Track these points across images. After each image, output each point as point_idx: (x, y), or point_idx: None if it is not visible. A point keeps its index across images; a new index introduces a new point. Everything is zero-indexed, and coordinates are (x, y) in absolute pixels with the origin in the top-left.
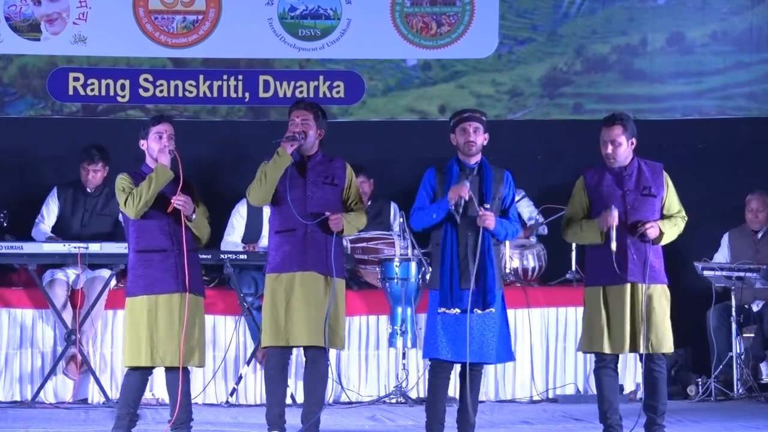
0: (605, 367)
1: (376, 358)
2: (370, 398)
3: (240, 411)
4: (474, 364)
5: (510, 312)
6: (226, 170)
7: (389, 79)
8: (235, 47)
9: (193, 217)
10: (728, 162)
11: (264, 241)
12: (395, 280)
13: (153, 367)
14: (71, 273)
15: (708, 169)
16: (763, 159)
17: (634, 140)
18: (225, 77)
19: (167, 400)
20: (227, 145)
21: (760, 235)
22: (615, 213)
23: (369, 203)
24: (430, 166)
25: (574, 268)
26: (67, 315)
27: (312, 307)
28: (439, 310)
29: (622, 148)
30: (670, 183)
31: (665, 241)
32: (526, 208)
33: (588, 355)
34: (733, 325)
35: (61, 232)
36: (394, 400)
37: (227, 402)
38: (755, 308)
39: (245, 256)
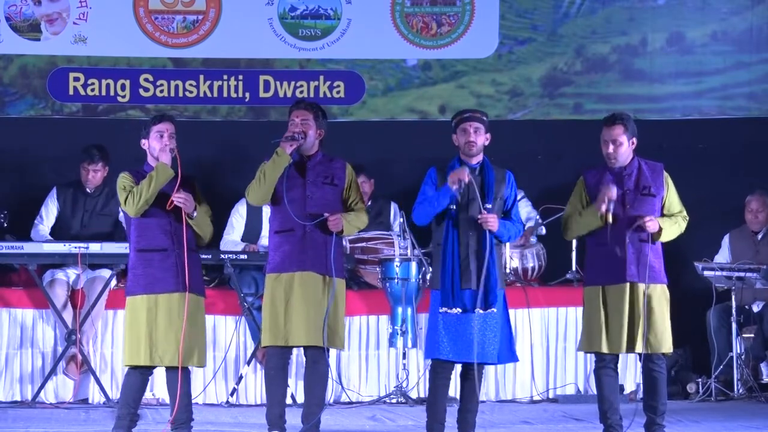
0: (605, 367)
1: (376, 358)
2: (370, 398)
3: (240, 411)
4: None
5: (510, 312)
6: (226, 170)
7: (389, 79)
8: (236, 47)
9: (195, 214)
10: (728, 162)
11: (263, 241)
12: (395, 280)
13: (153, 367)
14: (71, 273)
15: (708, 169)
16: (763, 159)
17: (634, 140)
18: (225, 77)
19: (167, 400)
20: (227, 145)
21: (760, 235)
22: (614, 188)
23: (369, 203)
24: (430, 166)
25: (574, 268)
26: (68, 315)
27: (311, 307)
28: (440, 310)
29: (623, 148)
30: (671, 183)
31: (665, 238)
32: (524, 209)
33: (588, 355)
34: (734, 326)
35: (60, 232)
36: (394, 400)
37: (227, 402)
38: (755, 308)
39: (245, 256)
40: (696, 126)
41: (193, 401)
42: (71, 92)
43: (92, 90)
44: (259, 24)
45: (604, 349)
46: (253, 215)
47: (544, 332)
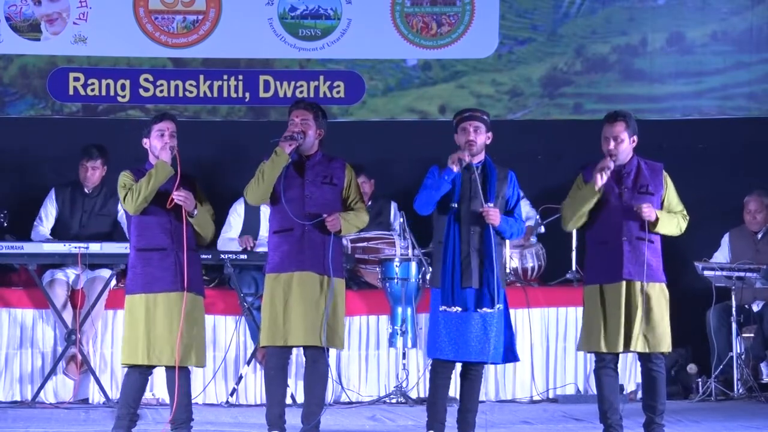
0: (605, 367)
1: (376, 358)
2: (370, 398)
3: (240, 411)
4: (474, 364)
5: (510, 312)
6: (226, 170)
7: (389, 79)
8: (235, 47)
9: (195, 213)
10: (728, 162)
11: (263, 241)
12: (395, 280)
13: (153, 367)
14: (71, 273)
15: (708, 169)
16: (763, 159)
17: (635, 138)
18: (225, 77)
19: (167, 400)
20: (227, 145)
21: (760, 235)
22: (609, 160)
23: (369, 203)
24: (430, 166)
25: (574, 268)
26: (67, 315)
27: (309, 306)
28: (441, 309)
29: (624, 145)
30: (670, 182)
31: (662, 230)
32: (523, 208)
33: (588, 354)
34: (734, 325)
35: (60, 232)
36: (394, 400)
37: (227, 402)
38: (755, 308)
39: (245, 256)
40: (696, 126)
41: (193, 401)
42: (71, 92)
43: (92, 90)
44: (259, 24)
45: (603, 349)
46: (251, 215)
47: (544, 332)
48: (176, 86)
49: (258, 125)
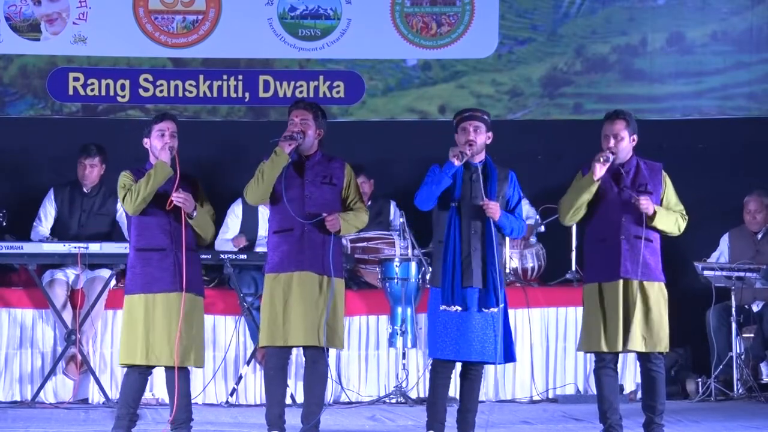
0: (605, 367)
1: (376, 358)
2: (370, 398)
3: (240, 411)
4: (475, 364)
5: (510, 312)
6: (226, 170)
7: (389, 79)
8: (235, 47)
9: (194, 214)
10: (728, 162)
11: (262, 242)
12: (395, 280)
13: (152, 367)
14: (71, 273)
15: (708, 169)
16: (763, 159)
17: (635, 137)
18: (225, 77)
19: (167, 400)
20: (227, 145)
21: (759, 235)
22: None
23: (369, 203)
24: (430, 165)
25: (573, 268)
26: (67, 315)
27: (309, 307)
28: (441, 308)
29: (624, 143)
30: (669, 182)
31: (659, 225)
32: (523, 207)
33: (588, 354)
34: (733, 325)
35: (59, 232)
36: (394, 400)
37: (227, 402)
38: (755, 308)
39: (245, 256)
40: (696, 126)
41: (192, 401)
42: (71, 92)
43: (92, 90)
44: (259, 24)
45: (604, 348)
46: (249, 216)
47: (544, 332)
48: (176, 86)
49: (258, 125)
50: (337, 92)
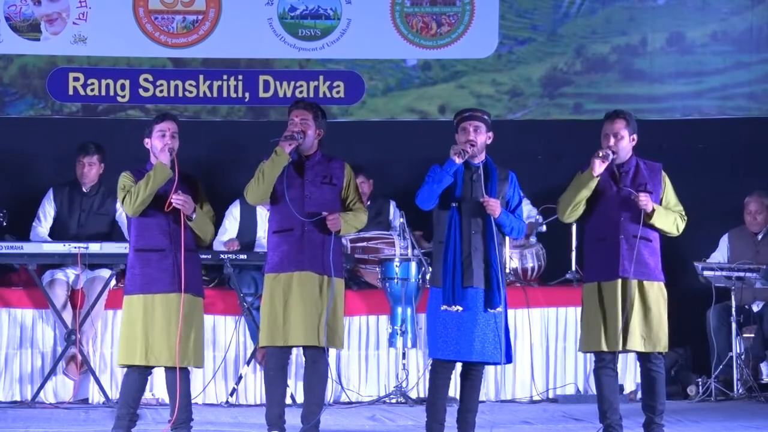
0: (605, 367)
1: (376, 358)
2: (370, 398)
3: (240, 411)
4: (475, 364)
5: (510, 312)
6: (226, 170)
7: (389, 79)
8: (235, 47)
9: (194, 216)
10: (728, 162)
11: (261, 242)
12: (395, 280)
13: (152, 367)
14: (71, 273)
15: (708, 169)
16: (763, 159)
17: (635, 137)
18: (225, 77)
19: (167, 400)
20: (227, 145)
21: (760, 236)
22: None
23: (369, 203)
24: (430, 166)
25: (573, 268)
26: (67, 315)
27: (309, 306)
28: (441, 308)
29: (624, 142)
30: (669, 182)
31: (657, 223)
32: (524, 207)
33: (588, 355)
34: (733, 325)
35: (58, 232)
36: (394, 400)
37: (227, 402)
38: (755, 308)
39: (245, 256)
40: (696, 126)
41: (192, 401)
42: (71, 92)
43: (92, 90)
44: (259, 24)
45: (604, 348)
46: (247, 217)
47: (544, 332)
48: (176, 86)
49: (258, 125)
50: (337, 92)
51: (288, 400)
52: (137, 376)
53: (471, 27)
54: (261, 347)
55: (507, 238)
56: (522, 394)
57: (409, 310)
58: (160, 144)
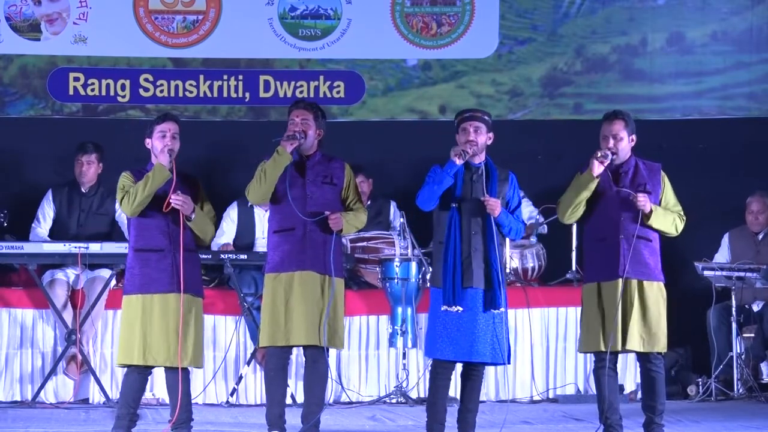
0: (604, 367)
1: (376, 358)
2: (370, 398)
3: (240, 411)
4: (476, 364)
5: (510, 312)
6: (227, 170)
7: (389, 79)
8: (236, 47)
9: (193, 216)
10: (728, 162)
11: (260, 242)
12: (395, 280)
13: (152, 367)
14: (71, 273)
15: (708, 169)
16: (763, 159)
17: (634, 137)
18: (225, 77)
19: (167, 400)
20: (227, 145)
21: (760, 236)
22: (608, 151)
23: (368, 203)
24: (430, 166)
25: (574, 268)
26: (67, 315)
27: (310, 306)
28: (441, 308)
29: (623, 143)
30: (668, 182)
31: (656, 224)
32: (525, 208)
33: (588, 354)
34: (734, 325)
35: (58, 233)
36: (394, 400)
37: (227, 402)
38: (755, 308)
39: (245, 256)
40: (696, 126)
41: (193, 401)
42: (71, 92)
43: (92, 90)
44: (259, 24)
45: (603, 348)
46: (245, 218)
47: (544, 332)
48: (176, 86)
49: (258, 125)
50: (337, 92)
51: (288, 400)
52: (137, 376)
53: (471, 27)
54: (261, 347)
55: (507, 238)
56: (522, 394)
57: (409, 310)
58: (161, 145)
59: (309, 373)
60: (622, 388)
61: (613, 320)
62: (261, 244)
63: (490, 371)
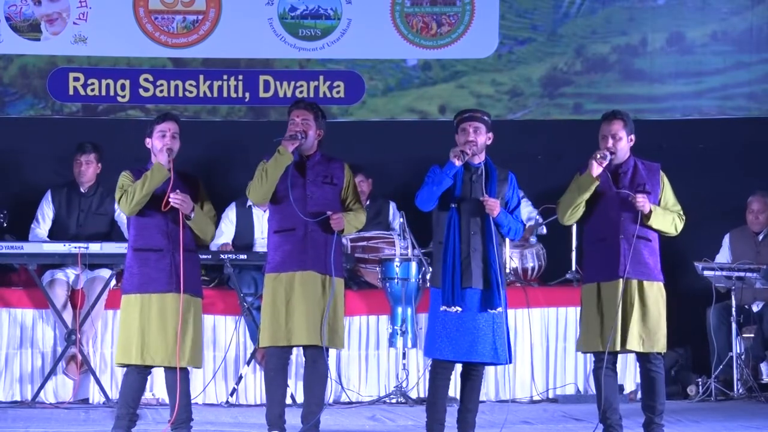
0: (604, 367)
1: (376, 358)
2: (370, 398)
3: (240, 411)
4: (476, 364)
5: (510, 312)
6: (227, 170)
7: (389, 79)
8: (235, 47)
9: (192, 215)
10: (728, 162)
11: (259, 243)
12: (395, 280)
13: (151, 367)
14: (71, 273)
15: (708, 169)
16: (763, 159)
17: (632, 137)
18: (225, 77)
19: (167, 400)
20: (227, 145)
21: (761, 236)
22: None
23: (368, 203)
24: (430, 166)
25: (573, 268)
26: (67, 315)
27: (311, 306)
28: (441, 309)
29: (622, 143)
30: (667, 182)
31: (655, 224)
32: (524, 209)
33: (588, 354)
34: (733, 326)
35: (57, 233)
36: (394, 400)
37: (227, 402)
38: (755, 308)
39: (245, 256)
40: (696, 126)
41: (192, 401)
42: (71, 92)
43: (92, 90)
44: (259, 24)
45: (601, 348)
46: (244, 219)
47: (544, 332)
48: (176, 86)
49: (258, 125)
50: (337, 92)
51: (288, 400)
52: (136, 376)
53: (471, 27)
54: (261, 348)
55: (507, 239)
56: (522, 394)
57: (409, 310)
58: (160, 144)
59: (309, 373)
60: (622, 388)
61: (612, 320)
62: (260, 244)
63: (489, 371)
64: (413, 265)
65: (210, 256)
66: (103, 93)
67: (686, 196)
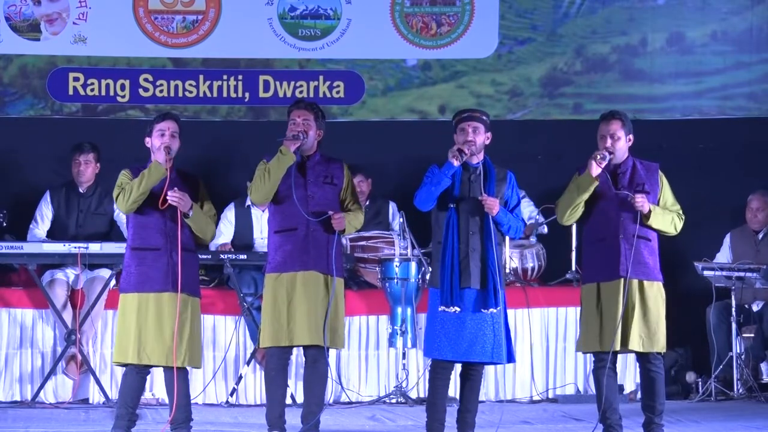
0: (604, 367)
1: (376, 358)
2: (370, 398)
3: (240, 411)
4: (475, 364)
5: (510, 312)
6: (226, 170)
7: (389, 79)
8: (235, 47)
9: (191, 213)
10: (728, 162)
11: (259, 243)
12: (395, 280)
13: (149, 367)
14: (71, 273)
15: (708, 169)
16: (763, 159)
17: (631, 137)
18: (225, 77)
19: (167, 400)
20: (227, 145)
21: (761, 236)
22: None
23: (368, 203)
24: (430, 166)
25: (573, 268)
26: (67, 315)
27: (313, 306)
28: (440, 309)
29: (621, 143)
30: (666, 182)
31: (655, 224)
32: (526, 208)
33: (588, 354)
34: (733, 325)
35: (57, 233)
36: (394, 400)
37: (227, 402)
38: (755, 308)
39: (245, 256)
40: (696, 126)
41: (192, 401)
42: (71, 92)
43: (92, 90)
44: (259, 24)
45: (600, 348)
46: (243, 220)
47: (544, 332)
48: (176, 86)
49: (258, 125)
50: (337, 92)
51: (288, 400)
52: (135, 375)
53: (471, 27)
54: (261, 348)
55: (507, 238)
56: (522, 394)
57: (409, 310)
58: (159, 143)
59: (309, 373)
60: (621, 388)
61: (612, 320)
62: (259, 244)
63: (489, 371)
64: (413, 265)
65: (210, 256)
66: (103, 93)
67: (686, 196)
